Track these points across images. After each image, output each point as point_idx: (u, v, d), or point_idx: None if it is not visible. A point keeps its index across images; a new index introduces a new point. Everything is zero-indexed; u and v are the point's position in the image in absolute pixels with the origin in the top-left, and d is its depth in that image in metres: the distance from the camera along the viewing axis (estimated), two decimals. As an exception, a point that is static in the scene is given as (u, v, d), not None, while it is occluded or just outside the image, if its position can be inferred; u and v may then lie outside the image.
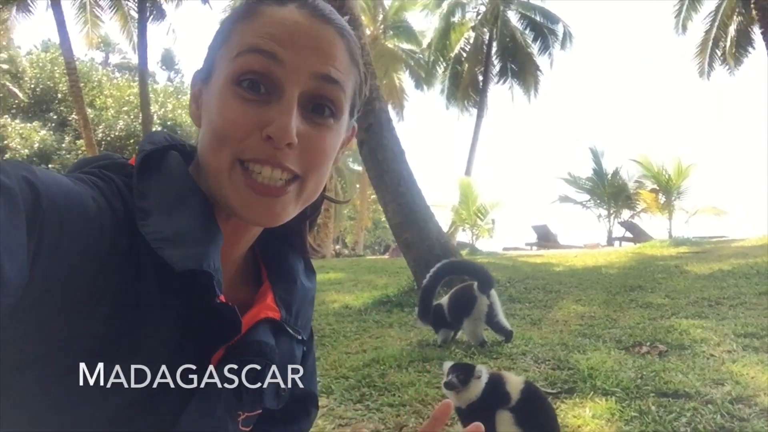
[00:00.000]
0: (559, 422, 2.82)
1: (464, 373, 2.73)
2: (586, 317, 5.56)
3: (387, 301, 6.90)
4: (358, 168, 30.94)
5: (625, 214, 18.78)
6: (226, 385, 0.66)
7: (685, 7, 19.05)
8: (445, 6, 26.07)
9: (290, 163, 0.63)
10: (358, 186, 32.18)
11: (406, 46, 29.34)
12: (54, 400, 0.55)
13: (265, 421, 0.77)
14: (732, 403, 3.13)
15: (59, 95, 29.71)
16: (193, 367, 0.63)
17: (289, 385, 0.76)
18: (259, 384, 0.70)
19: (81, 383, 0.55)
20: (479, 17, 26.05)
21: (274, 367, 0.71)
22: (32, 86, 30.80)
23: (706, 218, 16.69)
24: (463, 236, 19.71)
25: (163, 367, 0.60)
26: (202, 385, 0.64)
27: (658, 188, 16.63)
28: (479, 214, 18.36)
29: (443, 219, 18.35)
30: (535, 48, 25.20)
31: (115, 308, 0.56)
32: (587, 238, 20.09)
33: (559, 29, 24.80)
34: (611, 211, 18.72)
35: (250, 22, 0.66)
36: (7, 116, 30.62)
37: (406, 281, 7.69)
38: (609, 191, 18.25)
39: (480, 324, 4.61)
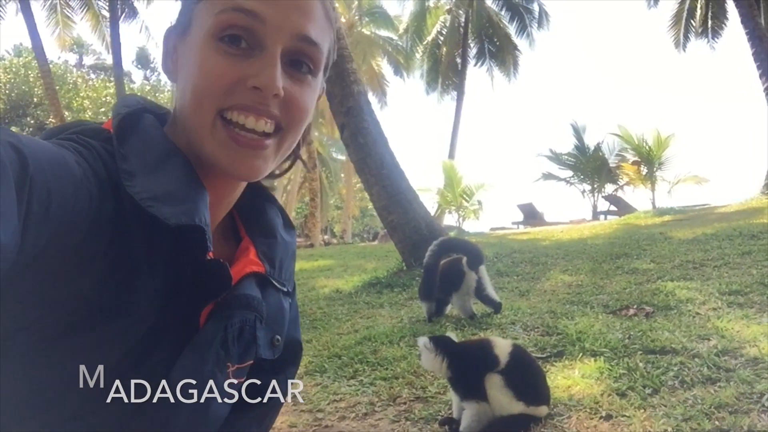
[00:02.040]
0: (548, 383, 2.86)
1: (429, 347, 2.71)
2: (574, 286, 5.62)
3: (377, 283, 6.93)
4: (342, 157, 30.91)
5: (609, 188, 18.92)
6: (214, 338, 0.67)
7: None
8: (419, -11, 25.98)
9: (275, 109, 0.65)
10: (342, 175, 32.16)
11: (383, 32, 29.26)
12: (50, 362, 0.56)
13: (255, 370, 0.78)
14: (718, 355, 3.18)
15: (35, 99, 29.35)
16: (183, 321, 0.65)
17: (283, 336, 0.78)
18: (247, 336, 0.71)
19: (75, 344, 0.56)
20: (454, 0, 26.00)
21: (261, 320, 0.73)
22: (7, 92, 30.37)
23: (688, 188, 16.93)
24: (449, 219, 19.81)
25: (154, 323, 0.61)
26: (192, 340, 0.65)
27: (639, 160, 16.76)
28: (465, 196, 18.43)
29: (429, 203, 18.43)
30: (512, 28, 25.20)
31: (106, 270, 0.57)
32: (573, 215, 20.26)
33: (535, 8, 24.81)
34: (595, 186, 18.84)
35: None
36: (-17, 124, 30.22)
37: (394, 263, 7.72)
38: (591, 166, 18.34)
39: (469, 298, 4.64)
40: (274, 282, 0.76)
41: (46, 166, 0.51)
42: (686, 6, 19.01)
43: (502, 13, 25.45)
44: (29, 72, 29.73)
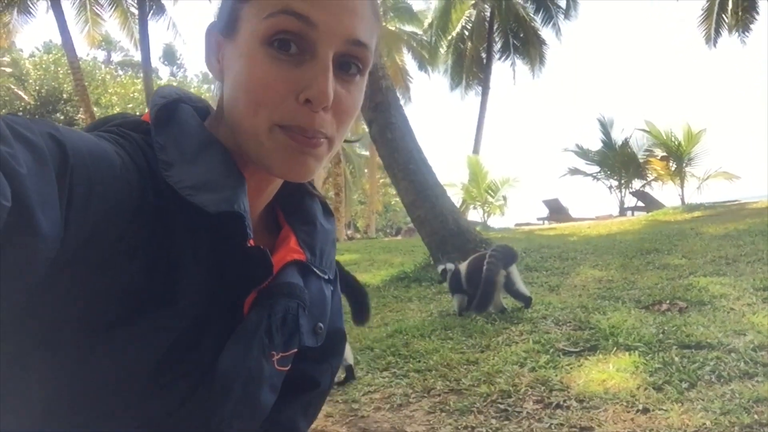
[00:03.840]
0: (582, 376, 2.87)
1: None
2: (604, 281, 5.58)
3: (404, 277, 6.96)
4: (366, 153, 30.94)
5: (637, 183, 18.66)
6: (259, 326, 0.68)
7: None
8: (444, -16, 25.84)
9: (325, 127, 0.64)
10: (366, 170, 32.19)
11: (407, 27, 29.18)
12: (99, 353, 0.57)
13: (298, 359, 0.79)
14: (755, 350, 3.16)
15: (64, 95, 29.82)
16: (228, 311, 0.66)
17: (326, 324, 0.79)
18: (290, 324, 0.72)
19: (123, 335, 0.58)
20: (479, -6, 25.82)
21: (306, 308, 0.74)
22: (37, 88, 30.92)
23: (718, 184, 16.50)
24: (474, 214, 19.71)
25: (200, 312, 0.62)
26: (237, 329, 0.66)
27: (668, 155, 16.50)
28: (490, 192, 18.32)
29: (454, 198, 18.33)
30: (538, 21, 24.96)
31: (149, 260, 0.58)
32: (599, 210, 20.04)
33: (562, 1, 24.54)
34: (622, 182, 18.59)
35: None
36: (14, 119, 30.69)
37: (421, 257, 7.74)
38: (619, 161, 18.10)
39: (498, 293, 4.65)
40: (315, 269, 0.77)
41: (87, 156, 0.51)
42: (717, 1, 18.67)
43: (528, 5, 25.21)
44: (59, 68, 30.24)
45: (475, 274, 4.68)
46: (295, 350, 0.76)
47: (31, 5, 20.41)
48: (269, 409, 0.76)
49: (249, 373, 0.68)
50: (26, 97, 31.38)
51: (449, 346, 3.90)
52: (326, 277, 0.79)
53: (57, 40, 27.62)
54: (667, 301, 4.41)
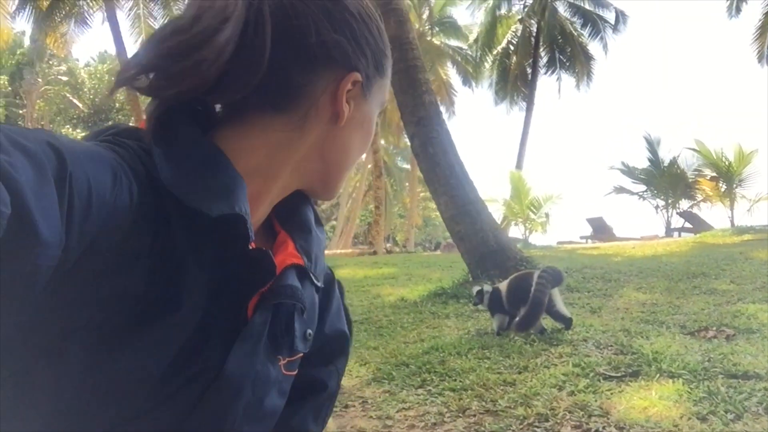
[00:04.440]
0: (624, 403, 2.79)
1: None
2: (648, 304, 5.44)
3: (442, 293, 6.90)
4: (407, 166, 30.99)
5: (684, 204, 18.21)
6: (263, 329, 0.68)
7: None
8: (491, 0, 25.83)
9: None
10: (407, 184, 32.23)
11: (452, 42, 29.24)
12: (107, 361, 0.57)
13: (305, 364, 0.79)
14: (806, 383, 3.03)
15: (117, 104, 30.77)
16: (232, 314, 0.66)
17: (314, 330, 0.79)
18: (292, 327, 0.72)
19: (131, 342, 0.58)
20: (526, 9, 25.71)
21: (304, 311, 0.74)
22: (91, 97, 32.02)
23: (770, 206, 16.02)
24: (515, 231, 19.52)
25: (204, 316, 0.62)
26: (243, 331, 0.66)
27: (717, 176, 16.08)
28: (532, 208, 18.14)
29: (495, 214, 18.19)
30: (585, 35, 24.73)
31: (152, 266, 0.58)
32: (644, 230, 19.61)
33: (610, 14, 24.28)
34: (669, 202, 18.16)
35: (383, 82, 0.76)
36: (68, 126, 31.92)
37: (460, 274, 7.67)
38: (666, 181, 17.71)
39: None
40: (311, 276, 0.77)
41: (85, 163, 0.51)
42: (772, 18, 18.18)
43: (575, 20, 25.01)
44: (112, 78, 31.20)
45: (518, 293, 4.60)
46: (301, 354, 0.76)
47: (87, 17, 21.21)
48: (279, 413, 0.76)
49: (257, 377, 0.68)
50: (80, 105, 32.50)
51: (486, 365, 3.84)
52: (318, 284, 0.79)
53: (112, 50, 28.54)
54: (714, 328, 4.28)
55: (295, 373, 0.77)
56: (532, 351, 4.08)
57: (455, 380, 3.61)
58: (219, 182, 0.63)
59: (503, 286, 4.84)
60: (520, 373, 3.68)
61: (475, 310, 5.87)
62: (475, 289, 5.09)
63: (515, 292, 4.65)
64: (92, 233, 0.51)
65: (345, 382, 3.87)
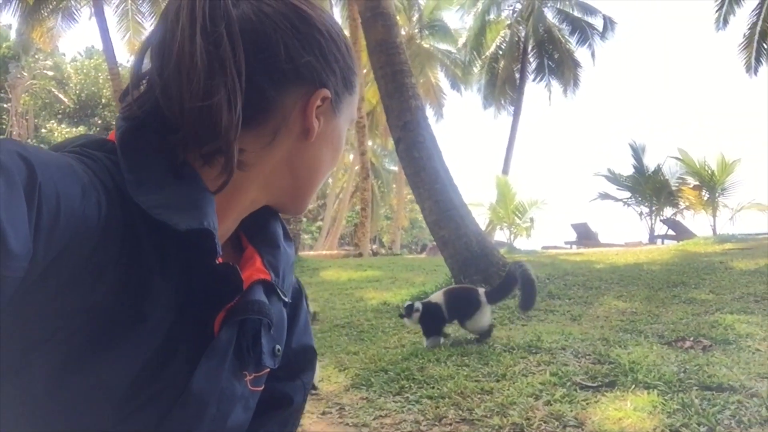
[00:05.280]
0: (599, 413, 2.80)
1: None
2: (628, 313, 5.48)
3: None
4: (395, 168, 31.00)
5: (668, 211, 18.36)
6: (230, 345, 0.68)
7: (726, 2, 18.54)
8: (480, 5, 25.92)
9: None
10: (394, 186, 32.25)
11: (442, 45, 29.31)
12: (72, 376, 0.57)
13: (271, 378, 0.79)
14: (779, 396, 3.06)
15: (103, 100, 30.55)
16: (198, 330, 0.65)
17: (283, 346, 0.79)
18: (259, 343, 0.72)
19: (95, 357, 0.57)
20: (515, 15, 25.84)
21: (271, 327, 0.74)
22: (77, 92, 31.73)
23: (752, 215, 16.18)
24: (500, 235, 19.58)
25: (170, 332, 0.62)
26: (209, 347, 0.66)
27: (700, 185, 16.22)
28: (517, 213, 18.19)
29: (481, 218, 18.24)
30: (573, 42, 24.89)
31: (119, 279, 0.57)
32: (629, 237, 19.73)
33: (598, 21, 24.46)
34: (653, 209, 18.30)
35: (352, 99, 0.78)
36: (53, 121, 31.62)
37: (443, 278, 7.69)
38: (650, 188, 17.83)
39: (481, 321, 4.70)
40: (279, 291, 0.77)
41: (55, 174, 0.51)
42: (758, 29, 18.39)
43: (564, 26, 25.17)
44: (99, 74, 31.02)
45: (460, 302, 4.75)
46: (268, 370, 0.76)
47: (75, 11, 21.06)
48: (244, 429, 0.75)
49: (223, 393, 0.68)
50: (66, 100, 32.20)
51: (464, 373, 3.85)
52: (286, 299, 0.79)
53: (99, 45, 28.31)
54: (691, 338, 4.31)
55: (261, 388, 0.77)
56: (511, 359, 4.09)
57: (433, 388, 3.61)
58: (187, 196, 0.63)
59: (439, 299, 4.85)
60: (498, 381, 3.69)
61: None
62: (408, 303, 5.01)
63: (458, 301, 4.77)
64: (60, 245, 0.50)
65: (324, 387, 3.87)
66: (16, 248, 0.43)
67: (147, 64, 0.68)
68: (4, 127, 30.82)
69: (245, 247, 0.78)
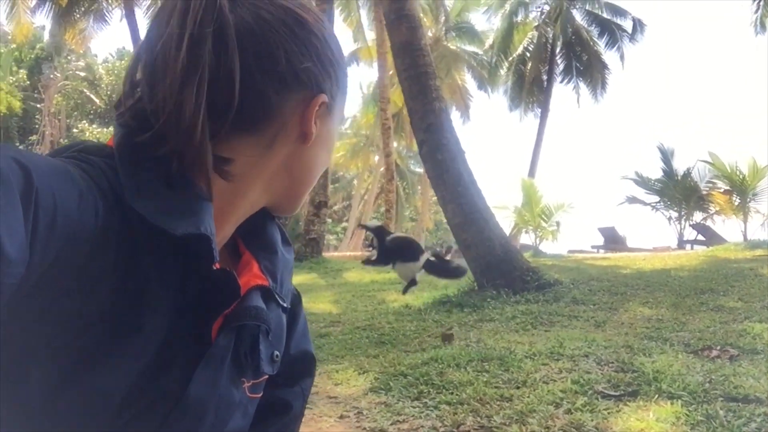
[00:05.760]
0: (620, 424, 2.75)
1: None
2: (653, 320, 5.38)
3: (447, 301, 6.88)
4: (420, 170, 30.95)
5: (698, 216, 18.03)
6: (227, 352, 0.67)
7: (762, 4, 18.15)
8: (507, 6, 25.77)
9: None
10: (419, 188, 32.20)
11: (469, 47, 29.20)
12: (71, 383, 0.56)
13: (268, 385, 0.79)
14: (808, 409, 2.98)
15: (133, 102, 31.04)
16: (195, 336, 0.65)
17: (282, 352, 0.78)
18: (257, 350, 0.72)
19: (94, 364, 0.57)
20: (543, 16, 25.63)
21: (269, 333, 0.74)
22: (108, 92, 32.26)
23: (785, 221, 15.77)
24: (526, 238, 19.42)
25: (167, 338, 0.62)
26: (206, 354, 0.65)
27: (731, 189, 15.90)
28: (543, 216, 18.01)
29: (506, 221, 18.12)
30: (601, 44, 24.62)
31: (115, 286, 0.57)
32: (657, 241, 19.43)
33: (628, 23, 24.15)
34: (682, 214, 17.99)
35: (343, 100, 0.78)
36: (84, 121, 32.21)
37: (466, 282, 7.62)
38: (680, 192, 17.52)
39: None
40: (277, 297, 0.77)
41: (51, 179, 0.51)
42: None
43: (592, 28, 24.90)
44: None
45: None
46: (267, 376, 0.76)
47: (106, 13, 21.45)
48: None
49: (220, 400, 0.67)
50: (97, 101, 32.78)
51: (484, 379, 3.81)
52: (284, 305, 0.79)
53: (130, 47, 28.76)
54: (718, 347, 4.21)
55: (260, 395, 0.77)
56: (533, 365, 4.04)
57: (452, 393, 3.58)
58: (184, 201, 0.62)
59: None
60: (518, 388, 3.64)
61: (478, 319, 5.87)
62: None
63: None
64: (56, 251, 0.50)
65: (342, 391, 3.87)
66: (12, 254, 0.43)
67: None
68: (37, 126, 31.51)
69: (242, 253, 0.78)
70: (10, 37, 25.47)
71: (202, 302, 0.65)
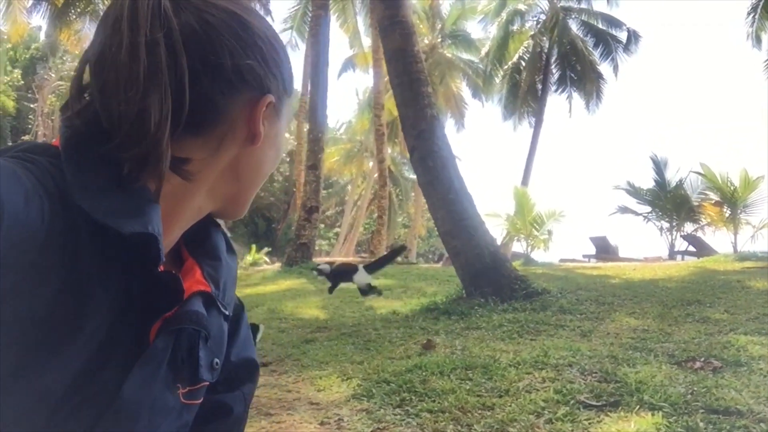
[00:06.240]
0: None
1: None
2: (639, 330, 5.38)
3: (434, 308, 6.87)
4: (413, 176, 30.97)
5: (689, 227, 18.10)
6: (165, 354, 0.67)
7: (757, 18, 18.29)
8: (504, 15, 25.88)
9: None
10: (413, 194, 32.22)
11: (464, 55, 29.30)
12: (8, 382, 0.55)
13: (208, 391, 0.78)
14: (788, 422, 2.97)
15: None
16: (133, 337, 0.65)
17: (222, 359, 0.78)
18: (195, 355, 0.71)
19: (33, 364, 0.56)
20: (539, 26, 25.74)
21: (208, 339, 0.73)
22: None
23: (774, 233, 15.84)
24: (518, 247, 19.44)
25: (105, 338, 0.61)
26: (142, 356, 0.65)
27: (722, 201, 15.97)
28: (535, 225, 18.04)
29: (498, 229, 18.17)
30: (596, 54, 24.74)
31: (59, 285, 0.56)
32: (648, 251, 19.50)
33: (623, 34, 24.28)
34: (674, 224, 18.06)
35: (290, 101, 0.79)
36: (77, 123, 32.03)
37: (455, 289, 7.63)
38: (671, 203, 17.59)
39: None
40: (219, 304, 0.76)
41: None
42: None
43: (588, 38, 25.02)
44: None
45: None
46: (206, 383, 0.75)
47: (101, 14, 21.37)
48: None
49: (154, 403, 0.67)
50: (91, 102, 32.61)
51: (467, 387, 3.80)
52: (226, 313, 0.78)
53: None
54: (702, 359, 4.21)
55: (199, 401, 0.76)
56: (516, 374, 4.03)
57: (434, 401, 3.57)
58: (132, 201, 0.62)
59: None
60: (500, 396, 3.63)
61: (465, 327, 5.86)
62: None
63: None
64: (3, 250, 0.50)
65: (325, 397, 3.85)
66: None
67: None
68: (30, 127, 31.38)
69: (185, 259, 0.77)
70: (5, 37, 25.42)
71: (144, 304, 0.65)
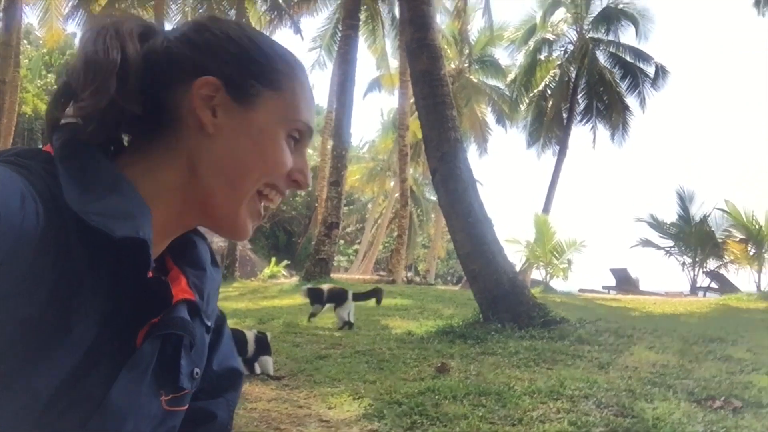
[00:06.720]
0: None
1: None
2: (658, 365, 5.28)
3: (450, 331, 6.80)
4: (435, 197, 30.96)
5: (712, 263, 17.83)
6: (152, 359, 0.67)
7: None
8: (532, 43, 25.94)
9: None
10: (433, 215, 32.19)
11: (491, 81, 29.36)
12: (1, 384, 0.56)
13: (192, 398, 0.79)
14: (811, 469, 2.88)
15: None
16: (121, 342, 0.65)
17: (202, 369, 0.78)
18: (176, 363, 0.72)
19: (22, 366, 0.57)
20: (566, 55, 25.74)
21: (192, 347, 0.74)
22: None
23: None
24: (536, 274, 19.27)
25: (93, 342, 0.62)
26: (130, 360, 0.65)
27: (747, 238, 15.73)
28: (555, 253, 17.88)
29: (518, 255, 18.01)
30: (623, 87, 24.64)
31: (50, 288, 0.57)
32: (670, 286, 19.22)
33: (651, 68, 24.17)
34: (696, 260, 17.81)
35: (303, 90, 0.76)
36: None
37: (472, 313, 7.56)
38: (695, 238, 17.37)
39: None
40: (202, 314, 0.76)
41: None
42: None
43: (615, 70, 24.95)
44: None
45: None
46: (187, 391, 0.75)
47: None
48: None
49: (140, 408, 0.67)
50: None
51: (480, 413, 3.74)
52: (209, 323, 0.79)
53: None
54: (722, 398, 4.11)
55: (183, 408, 0.76)
56: (531, 403, 3.97)
57: (446, 426, 3.52)
58: (124, 206, 0.63)
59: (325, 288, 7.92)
60: (513, 425, 3.57)
61: (480, 352, 5.80)
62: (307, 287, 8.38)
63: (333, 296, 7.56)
64: (1, 254, 0.50)
65: (335, 415, 3.82)
66: None
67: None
68: (60, 131, 31.91)
69: (170, 269, 0.78)
70: (41, 42, 25.97)
71: (132, 309, 0.66)
